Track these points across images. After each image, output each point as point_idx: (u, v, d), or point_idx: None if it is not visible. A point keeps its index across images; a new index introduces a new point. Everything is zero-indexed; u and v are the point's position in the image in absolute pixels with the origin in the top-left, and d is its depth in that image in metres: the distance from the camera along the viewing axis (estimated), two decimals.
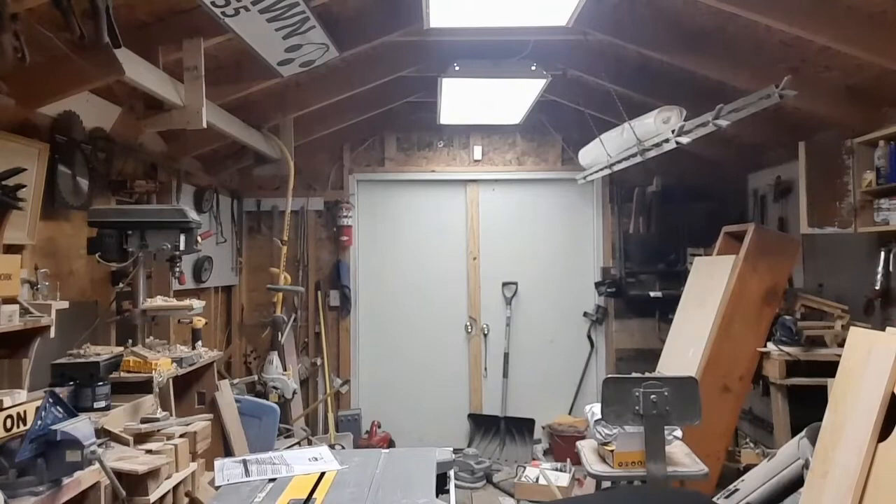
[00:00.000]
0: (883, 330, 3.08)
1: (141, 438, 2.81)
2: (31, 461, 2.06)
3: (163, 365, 3.24)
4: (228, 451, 3.96)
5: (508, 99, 5.02)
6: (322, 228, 6.45)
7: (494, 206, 6.53)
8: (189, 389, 3.85)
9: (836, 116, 4.26)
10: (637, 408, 3.13)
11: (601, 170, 5.53)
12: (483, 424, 6.33)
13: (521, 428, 6.18)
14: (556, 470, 5.10)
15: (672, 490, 3.19)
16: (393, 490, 2.20)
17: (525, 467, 5.21)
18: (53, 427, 2.09)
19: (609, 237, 6.46)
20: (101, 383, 2.88)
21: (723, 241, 5.06)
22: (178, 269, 3.65)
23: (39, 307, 2.75)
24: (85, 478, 2.24)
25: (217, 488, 2.32)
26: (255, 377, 5.25)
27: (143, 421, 2.90)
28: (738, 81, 4.12)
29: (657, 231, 6.21)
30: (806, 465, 2.97)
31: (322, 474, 2.37)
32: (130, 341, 3.43)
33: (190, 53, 3.37)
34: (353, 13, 3.91)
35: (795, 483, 3.05)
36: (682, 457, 3.32)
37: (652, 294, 6.25)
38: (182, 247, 3.52)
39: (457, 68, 4.32)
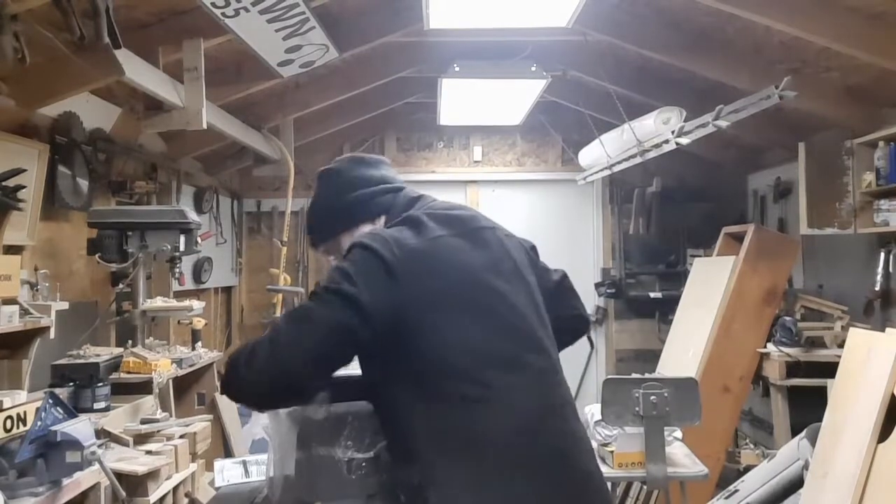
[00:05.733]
0: (883, 331, 3.09)
1: (141, 439, 2.81)
2: (30, 462, 2.06)
3: (162, 366, 3.24)
4: (228, 452, 3.96)
5: (508, 99, 5.02)
6: None
7: (495, 207, 6.51)
8: (189, 390, 3.86)
9: (836, 117, 4.26)
10: (637, 409, 3.13)
11: (601, 170, 5.53)
12: None
13: None
14: None
15: None
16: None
17: None
18: (53, 428, 2.09)
19: (609, 238, 6.46)
20: (100, 384, 2.88)
21: (723, 241, 5.06)
22: (177, 270, 3.65)
23: (39, 308, 2.75)
24: (85, 479, 2.24)
25: (217, 489, 2.32)
26: None
27: (143, 422, 2.90)
28: (738, 82, 4.12)
29: (657, 232, 6.21)
30: (806, 466, 2.97)
31: None
32: (130, 342, 3.43)
33: (190, 54, 3.37)
34: (353, 13, 3.90)
35: (795, 484, 3.04)
36: (682, 457, 3.32)
37: (652, 295, 6.25)
38: (182, 247, 3.52)
39: (457, 69, 4.32)
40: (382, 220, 1.67)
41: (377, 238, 1.51)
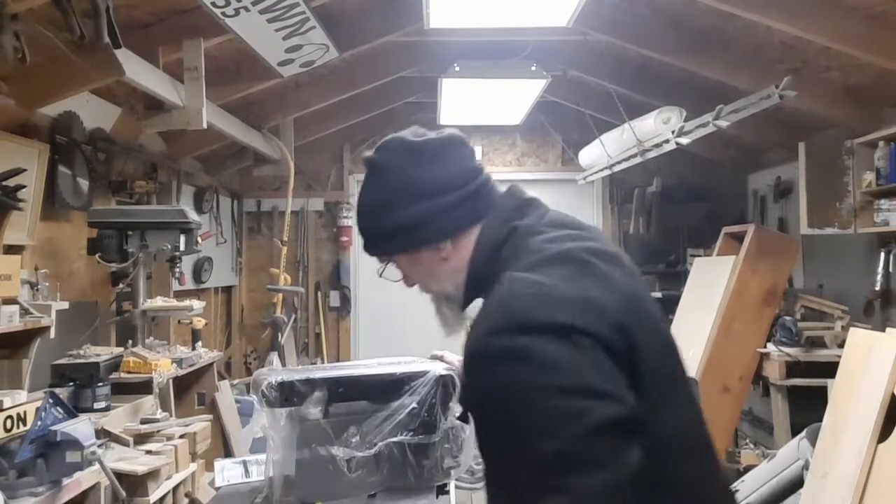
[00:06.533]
0: (883, 330, 3.09)
1: (141, 439, 2.81)
2: (30, 462, 2.06)
3: (163, 365, 3.24)
4: (228, 452, 3.96)
5: (508, 99, 5.02)
6: (322, 229, 6.45)
7: None
8: (189, 390, 3.85)
9: (836, 116, 4.26)
10: None
11: (601, 170, 5.53)
12: None
13: None
14: None
15: None
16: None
17: None
18: (53, 428, 2.09)
19: (609, 238, 6.45)
20: (101, 384, 2.88)
21: (723, 241, 5.05)
22: (178, 270, 3.65)
23: (39, 308, 2.75)
24: (85, 478, 2.24)
25: (217, 489, 2.32)
26: None
27: (143, 422, 2.90)
28: (738, 82, 4.12)
29: (657, 231, 6.21)
30: (806, 466, 2.97)
31: None
32: (130, 342, 3.42)
33: (190, 53, 3.37)
34: (353, 13, 3.90)
35: (795, 484, 3.04)
36: None
37: (652, 294, 6.24)
38: (182, 247, 3.52)
39: (457, 69, 4.32)
40: (462, 242, 1.16)
41: (566, 305, 0.93)
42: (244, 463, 2.46)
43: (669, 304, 5.67)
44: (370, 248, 1.25)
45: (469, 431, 1.74)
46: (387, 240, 1.20)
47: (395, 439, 1.57)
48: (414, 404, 1.67)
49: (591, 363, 0.89)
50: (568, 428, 0.84)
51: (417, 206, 1.15)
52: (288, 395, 1.67)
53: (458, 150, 1.20)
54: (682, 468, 1.03)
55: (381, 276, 1.27)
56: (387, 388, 1.70)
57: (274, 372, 1.80)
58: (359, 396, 1.72)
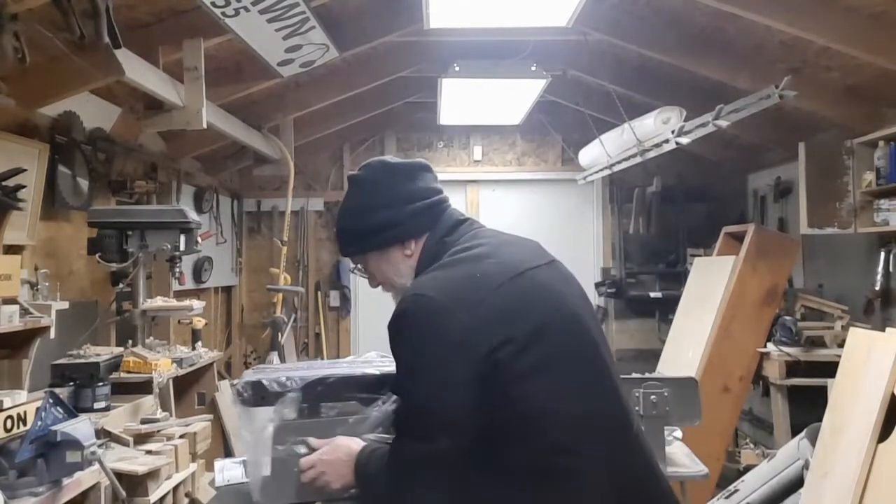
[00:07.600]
0: (883, 330, 3.09)
1: (141, 439, 2.81)
2: (31, 462, 2.06)
3: (163, 365, 3.24)
4: (228, 452, 3.96)
5: (508, 99, 5.02)
6: (322, 229, 6.44)
7: (495, 207, 6.52)
8: (189, 390, 3.86)
9: (836, 116, 4.26)
10: (637, 408, 3.13)
11: (601, 170, 5.53)
12: None
13: None
14: None
15: None
16: None
17: None
18: (53, 428, 2.08)
19: (609, 238, 6.46)
20: (101, 384, 2.88)
21: (723, 241, 5.06)
22: (178, 270, 3.65)
23: (39, 308, 2.75)
24: (85, 478, 2.24)
25: (217, 489, 2.32)
26: None
27: (143, 421, 2.90)
28: (738, 82, 4.12)
29: (657, 231, 6.21)
30: (806, 466, 2.97)
31: None
32: (130, 342, 3.42)
33: (190, 53, 3.37)
34: (353, 13, 3.90)
35: (795, 483, 3.04)
36: (683, 457, 3.32)
37: (652, 294, 6.25)
38: (182, 247, 3.52)
39: (457, 69, 4.32)
40: (420, 243, 1.51)
41: (433, 305, 1.33)
42: (244, 463, 2.46)
43: (669, 304, 5.68)
44: (347, 247, 1.57)
45: None
46: (365, 237, 1.51)
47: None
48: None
49: (438, 343, 1.31)
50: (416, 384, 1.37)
51: (392, 211, 1.48)
52: (264, 394, 1.64)
53: (425, 174, 1.58)
54: (571, 462, 1.29)
55: (352, 272, 1.73)
56: (367, 388, 1.70)
57: (257, 370, 1.79)
58: (339, 397, 1.71)
